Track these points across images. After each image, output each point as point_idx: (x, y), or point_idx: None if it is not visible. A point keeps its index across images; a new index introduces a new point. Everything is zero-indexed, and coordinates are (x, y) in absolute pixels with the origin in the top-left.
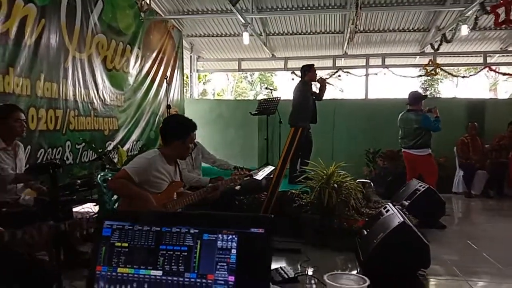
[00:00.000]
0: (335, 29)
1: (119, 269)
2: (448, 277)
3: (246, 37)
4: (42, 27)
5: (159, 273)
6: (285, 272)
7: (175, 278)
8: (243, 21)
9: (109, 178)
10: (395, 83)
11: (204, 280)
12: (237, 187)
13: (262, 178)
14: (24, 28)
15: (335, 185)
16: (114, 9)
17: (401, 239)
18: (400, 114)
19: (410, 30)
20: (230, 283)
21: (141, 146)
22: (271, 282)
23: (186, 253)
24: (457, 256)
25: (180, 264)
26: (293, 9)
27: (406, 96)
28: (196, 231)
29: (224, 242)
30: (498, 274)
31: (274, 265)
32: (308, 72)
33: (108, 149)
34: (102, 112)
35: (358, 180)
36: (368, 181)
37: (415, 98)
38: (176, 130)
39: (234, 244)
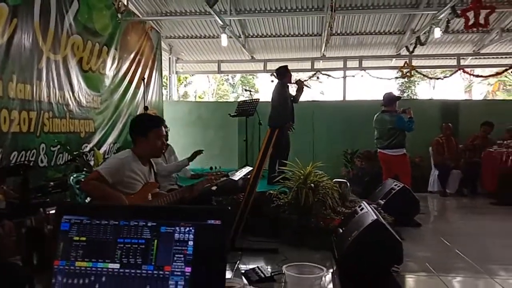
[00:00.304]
0: (313, 31)
1: (77, 263)
2: (422, 273)
3: (224, 39)
4: (14, 27)
5: (117, 266)
6: (262, 272)
7: (132, 271)
8: (221, 23)
9: (82, 180)
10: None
11: (161, 272)
12: (214, 188)
13: (239, 179)
14: None
15: (312, 185)
16: (90, 9)
17: (374, 236)
18: (375, 115)
19: (386, 33)
20: (186, 274)
21: (118, 148)
22: (248, 282)
23: (143, 246)
24: (430, 253)
25: (137, 257)
26: (271, 11)
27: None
28: (154, 224)
29: (181, 234)
30: (470, 270)
31: (251, 265)
32: (285, 74)
33: (84, 151)
34: (78, 114)
35: (334, 180)
36: (345, 180)
37: (390, 99)
38: (137, 126)
39: (191, 236)
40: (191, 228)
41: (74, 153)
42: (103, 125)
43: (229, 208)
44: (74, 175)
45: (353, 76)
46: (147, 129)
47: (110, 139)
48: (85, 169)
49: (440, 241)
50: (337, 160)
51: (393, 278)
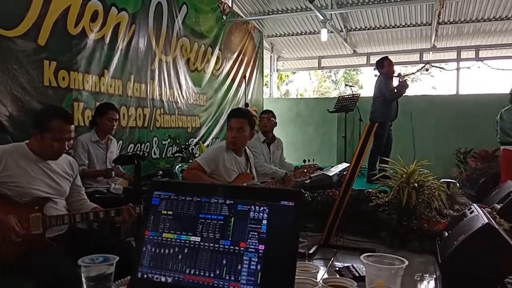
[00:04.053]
0: (421, 21)
1: (164, 234)
2: None
3: (324, 34)
4: (132, 32)
5: (198, 239)
6: (356, 270)
7: (211, 244)
8: (321, 17)
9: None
10: (491, 77)
11: (237, 248)
12: (307, 181)
13: (334, 174)
14: (117, 34)
15: (416, 184)
16: (197, 13)
17: (484, 242)
18: (503, 109)
19: (508, 18)
20: (260, 251)
21: None
22: None
23: (222, 222)
24: None
25: (216, 232)
26: (375, 2)
27: (503, 91)
28: (232, 202)
29: (256, 213)
30: None
31: (346, 263)
32: (383, 65)
33: (191, 144)
34: (185, 110)
35: (442, 180)
36: (454, 181)
37: None
38: None
39: (265, 215)
40: (265, 208)
41: (182, 146)
42: (207, 121)
43: (302, 190)
44: (179, 165)
45: (469, 68)
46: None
47: (213, 134)
48: (190, 160)
49: None
50: (448, 160)
51: None
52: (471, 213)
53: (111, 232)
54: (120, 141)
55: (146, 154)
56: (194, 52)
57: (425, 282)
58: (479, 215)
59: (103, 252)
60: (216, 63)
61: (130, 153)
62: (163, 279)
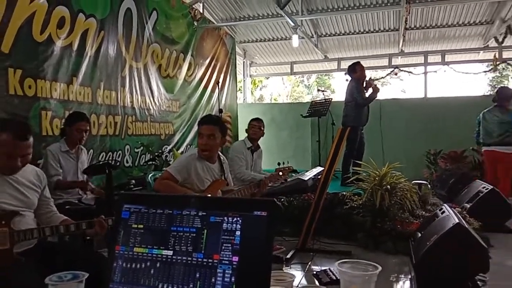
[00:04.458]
0: (389, 26)
1: (135, 249)
2: None
3: (295, 40)
4: (101, 38)
5: (170, 252)
6: (333, 274)
7: (184, 258)
8: (292, 24)
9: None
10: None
11: (210, 260)
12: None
13: (309, 179)
14: (86, 41)
15: (388, 186)
16: (168, 19)
17: (455, 241)
18: (483, 111)
19: (471, 24)
20: (234, 263)
21: None
22: (319, 283)
23: (194, 234)
24: None
25: (189, 245)
26: (344, 8)
27: (470, 94)
28: (204, 213)
29: (229, 224)
30: None
31: (323, 267)
32: (355, 71)
33: (164, 152)
34: (158, 117)
35: (414, 182)
36: (425, 182)
37: (507, 95)
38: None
39: (239, 226)
40: (238, 219)
41: (155, 154)
42: (181, 128)
43: (275, 200)
44: (152, 173)
45: (435, 71)
46: None
47: (188, 140)
48: (164, 168)
49: None
50: (418, 161)
51: (478, 287)
52: (442, 213)
53: (83, 244)
54: (91, 150)
55: (118, 163)
56: (165, 58)
57: (400, 283)
58: (450, 215)
59: (75, 266)
60: (188, 69)
61: (101, 162)
62: None
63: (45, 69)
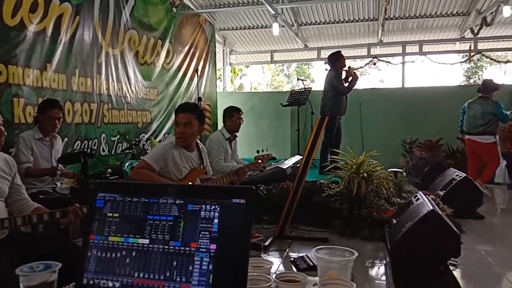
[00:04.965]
0: (369, 16)
1: (110, 238)
2: (482, 268)
3: (276, 28)
4: (76, 24)
5: (146, 241)
6: (310, 260)
7: (160, 246)
8: (272, 12)
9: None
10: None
11: (187, 248)
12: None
13: (288, 167)
14: (60, 26)
15: (365, 174)
16: (146, 5)
17: (429, 227)
18: (469, 101)
19: (448, 15)
20: (211, 251)
21: None
22: (296, 269)
23: (171, 223)
24: (493, 247)
25: (165, 233)
26: None
27: (446, 84)
28: (181, 202)
29: (207, 212)
30: None
31: (300, 253)
32: (337, 60)
33: (142, 141)
34: (135, 105)
35: (390, 170)
36: (401, 170)
37: (490, 87)
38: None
39: (217, 214)
40: (216, 206)
41: (132, 142)
42: (159, 116)
43: (253, 187)
44: (129, 162)
45: (413, 61)
46: None
47: (165, 129)
48: (141, 156)
49: (505, 235)
50: (394, 150)
51: (450, 271)
52: (417, 200)
53: (58, 234)
54: (66, 138)
55: (94, 152)
56: (143, 45)
57: (375, 268)
58: (424, 202)
59: (49, 257)
60: (166, 56)
61: (76, 151)
62: (110, 284)
63: (17, 54)
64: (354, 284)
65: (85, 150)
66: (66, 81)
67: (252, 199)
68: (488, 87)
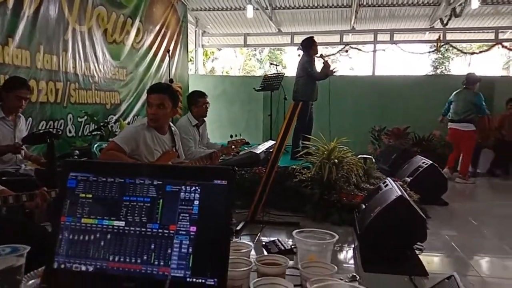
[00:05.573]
0: (342, 2)
1: (83, 220)
2: (446, 251)
3: (250, 10)
4: None
5: (122, 223)
6: (282, 244)
7: (137, 229)
8: None
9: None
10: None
11: (166, 231)
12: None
13: (261, 152)
14: None
15: (336, 160)
16: None
17: (397, 213)
18: (457, 90)
19: (419, 4)
20: (191, 233)
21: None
22: (268, 253)
23: (149, 204)
24: (456, 232)
25: (143, 215)
26: None
27: (415, 73)
28: (160, 182)
29: (187, 194)
30: (498, 251)
31: (272, 238)
32: (310, 46)
33: (110, 122)
34: (103, 85)
35: (359, 156)
36: (370, 157)
37: (472, 79)
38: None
39: (197, 196)
40: (197, 188)
41: (101, 124)
42: (128, 97)
43: (235, 168)
44: (97, 144)
45: (384, 50)
46: None
47: (135, 111)
48: (110, 138)
49: (467, 221)
50: (364, 137)
51: (416, 255)
52: (385, 186)
53: (23, 218)
54: (30, 118)
55: (60, 132)
56: (112, 22)
57: (344, 252)
58: (393, 188)
59: (14, 241)
60: (136, 35)
61: (41, 131)
62: (83, 268)
63: None
64: (335, 267)
65: (51, 130)
66: (30, 58)
67: (233, 181)
68: (470, 79)
